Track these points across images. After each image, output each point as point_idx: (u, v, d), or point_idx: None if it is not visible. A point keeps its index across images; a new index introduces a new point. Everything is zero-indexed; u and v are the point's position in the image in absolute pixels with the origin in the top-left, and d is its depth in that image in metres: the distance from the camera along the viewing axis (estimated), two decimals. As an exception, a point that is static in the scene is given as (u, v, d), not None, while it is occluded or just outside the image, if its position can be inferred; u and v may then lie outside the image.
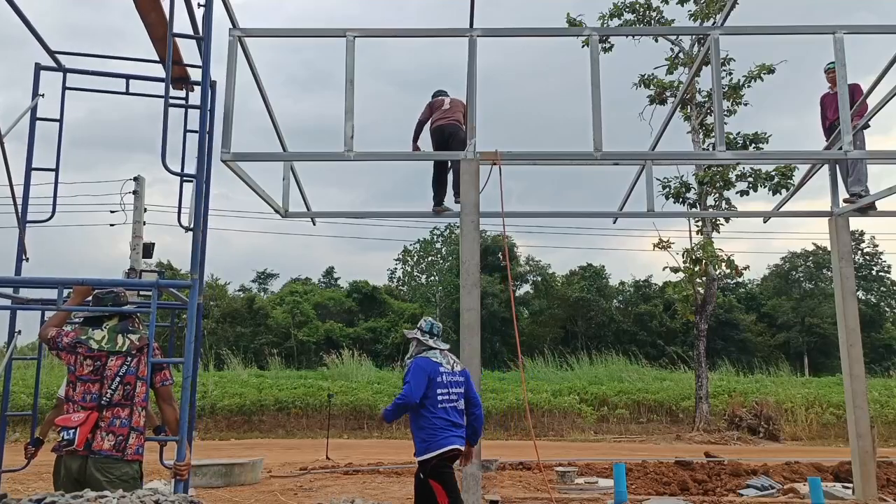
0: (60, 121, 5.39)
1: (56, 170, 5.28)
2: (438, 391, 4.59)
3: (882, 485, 7.82)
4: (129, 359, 3.87)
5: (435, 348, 4.73)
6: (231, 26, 6.00)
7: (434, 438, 4.54)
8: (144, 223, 11.39)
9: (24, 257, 5.11)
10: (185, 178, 4.60)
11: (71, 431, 3.67)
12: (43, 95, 5.43)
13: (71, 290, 4.20)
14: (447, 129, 7.32)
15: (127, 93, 5.45)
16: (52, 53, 5.43)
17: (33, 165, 5.21)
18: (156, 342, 4.02)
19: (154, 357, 3.93)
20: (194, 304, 4.22)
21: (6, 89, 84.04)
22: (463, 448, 4.68)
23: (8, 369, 4.99)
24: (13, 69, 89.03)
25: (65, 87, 5.47)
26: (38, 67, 5.44)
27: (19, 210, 5.15)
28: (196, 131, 4.57)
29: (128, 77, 5.45)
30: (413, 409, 4.51)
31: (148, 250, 10.07)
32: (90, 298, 4.26)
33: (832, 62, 7.91)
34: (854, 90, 7.29)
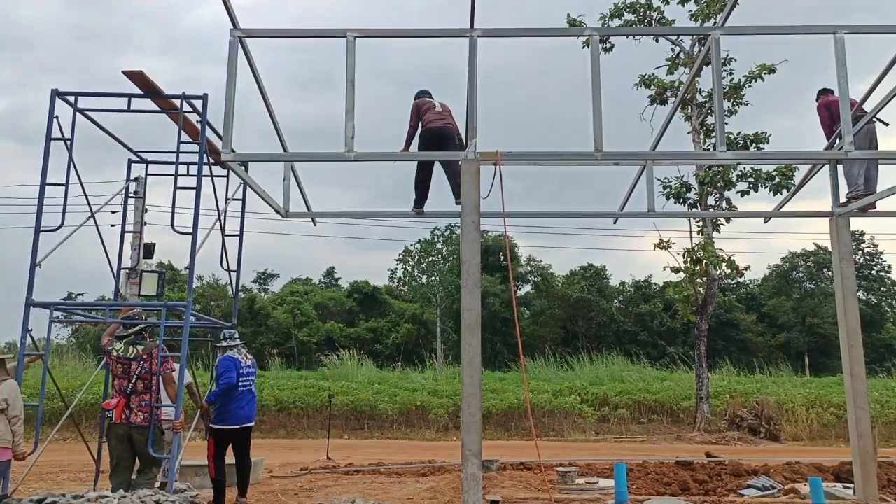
0: (144, 198, 8.50)
1: (140, 232, 8.67)
2: (240, 381, 6.79)
3: (883, 485, 7.82)
4: (142, 362, 6.06)
5: (234, 346, 6.98)
6: (232, 27, 6.00)
7: (232, 416, 6.75)
8: (145, 224, 11.34)
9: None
10: (183, 233, 6.77)
11: (110, 412, 5.98)
12: (136, 180, 8.26)
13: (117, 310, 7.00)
14: (444, 132, 7.13)
15: (177, 174, 7.48)
16: (136, 153, 8.00)
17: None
18: (164, 344, 6.24)
19: (162, 355, 6.14)
20: (188, 318, 6.42)
21: (14, 92, 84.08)
22: (251, 424, 6.99)
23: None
24: (19, 71, 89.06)
25: (147, 174, 8.23)
26: (130, 162, 8.05)
27: (114, 268, 7.76)
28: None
29: (188, 164, 7.57)
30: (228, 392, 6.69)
31: (148, 251, 10.03)
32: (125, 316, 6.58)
33: (822, 89, 8.10)
34: (832, 104, 7.53)
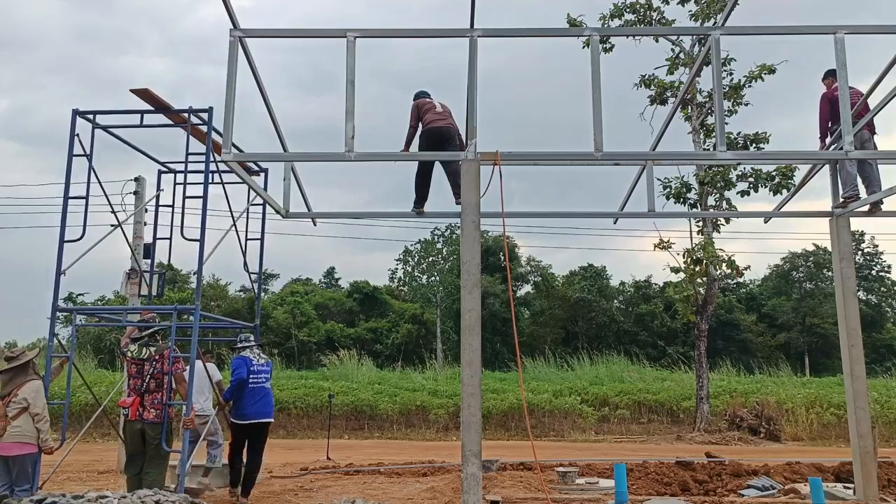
0: (183, 210, 7.96)
1: (170, 238, 8.29)
2: (251, 377, 7.27)
3: (883, 485, 7.82)
4: (154, 363, 6.46)
5: (248, 347, 7.52)
6: (232, 27, 6.00)
7: (246, 410, 7.22)
8: (145, 224, 11.33)
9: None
10: (191, 240, 7.23)
11: (126, 409, 6.44)
12: (164, 190, 8.57)
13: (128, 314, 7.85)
14: (445, 132, 7.13)
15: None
16: (163, 164, 8.46)
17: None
18: (176, 345, 6.60)
19: (174, 355, 6.50)
20: (196, 320, 6.73)
21: (14, 92, 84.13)
22: (267, 420, 7.38)
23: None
24: (20, 71, 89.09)
25: (175, 183, 8.30)
26: (160, 172, 8.50)
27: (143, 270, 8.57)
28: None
29: (211, 172, 7.57)
30: (240, 388, 7.22)
31: (148, 251, 10.06)
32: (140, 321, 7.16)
33: (829, 70, 8.00)
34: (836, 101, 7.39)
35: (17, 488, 5.91)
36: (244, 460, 7.37)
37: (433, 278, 36.80)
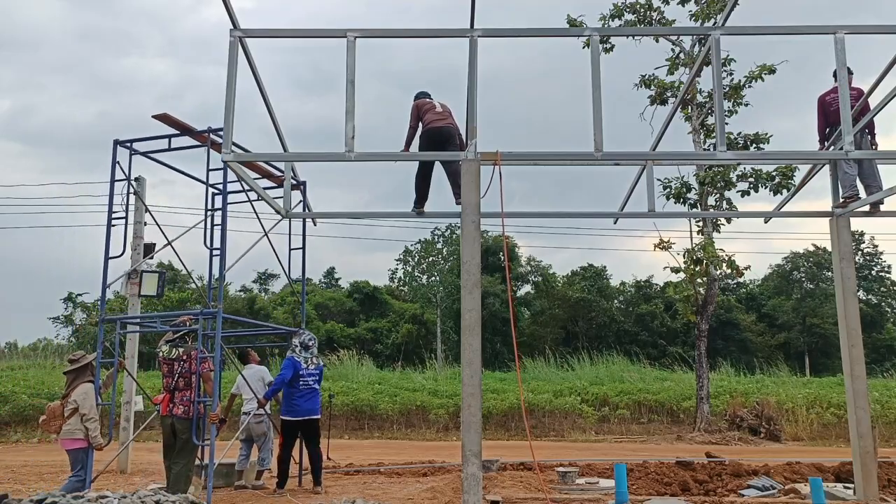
0: (206, 221, 8.40)
1: (221, 252, 7.68)
2: (300, 380, 7.93)
3: (883, 485, 7.82)
4: (182, 363, 6.98)
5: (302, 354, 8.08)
6: (232, 27, 6.00)
7: (295, 408, 7.88)
8: (146, 224, 11.34)
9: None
10: (214, 252, 7.76)
11: (158, 406, 7.10)
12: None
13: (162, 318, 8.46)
14: (445, 132, 7.13)
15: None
16: (213, 185, 8.38)
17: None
18: (203, 346, 7.11)
19: (201, 356, 7.00)
20: (219, 322, 7.15)
21: (16, 92, 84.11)
22: (313, 417, 7.99)
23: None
24: (21, 71, 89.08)
25: (225, 203, 8.22)
26: (214, 195, 8.58)
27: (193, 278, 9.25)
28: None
29: (245, 191, 8.58)
30: (287, 387, 7.89)
31: (149, 251, 10.07)
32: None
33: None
34: (834, 102, 7.38)
35: (70, 475, 6.78)
36: (294, 460, 8.06)
37: (433, 278, 36.80)
